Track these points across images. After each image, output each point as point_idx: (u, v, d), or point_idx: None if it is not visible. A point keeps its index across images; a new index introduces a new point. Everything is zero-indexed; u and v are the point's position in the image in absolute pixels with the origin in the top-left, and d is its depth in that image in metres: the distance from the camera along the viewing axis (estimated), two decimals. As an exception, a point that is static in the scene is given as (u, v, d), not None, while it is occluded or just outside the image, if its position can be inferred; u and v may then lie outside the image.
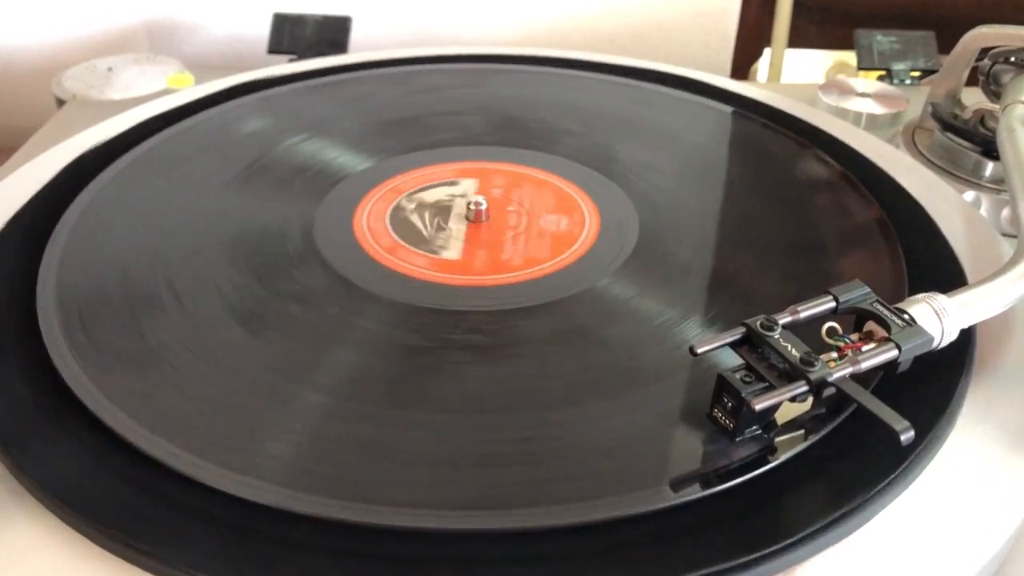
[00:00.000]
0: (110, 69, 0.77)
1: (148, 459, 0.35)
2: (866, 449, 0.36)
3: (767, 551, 0.32)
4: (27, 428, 0.37)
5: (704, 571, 0.31)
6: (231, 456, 0.35)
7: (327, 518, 0.33)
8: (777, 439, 0.36)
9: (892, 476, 0.35)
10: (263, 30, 0.83)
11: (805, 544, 0.32)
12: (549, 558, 0.32)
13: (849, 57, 0.98)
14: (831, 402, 0.37)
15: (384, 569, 0.32)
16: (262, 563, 0.32)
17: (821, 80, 0.96)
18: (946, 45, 0.78)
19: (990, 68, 0.63)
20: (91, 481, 0.35)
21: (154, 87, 0.75)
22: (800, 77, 1.01)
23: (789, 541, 0.32)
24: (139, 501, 0.34)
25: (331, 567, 0.32)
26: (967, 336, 0.41)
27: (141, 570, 0.32)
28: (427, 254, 0.50)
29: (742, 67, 1.02)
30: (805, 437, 0.36)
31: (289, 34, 0.81)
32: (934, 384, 0.39)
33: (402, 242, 0.51)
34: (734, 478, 0.34)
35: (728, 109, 0.67)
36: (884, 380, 0.38)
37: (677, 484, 0.35)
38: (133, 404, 0.38)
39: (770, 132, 0.63)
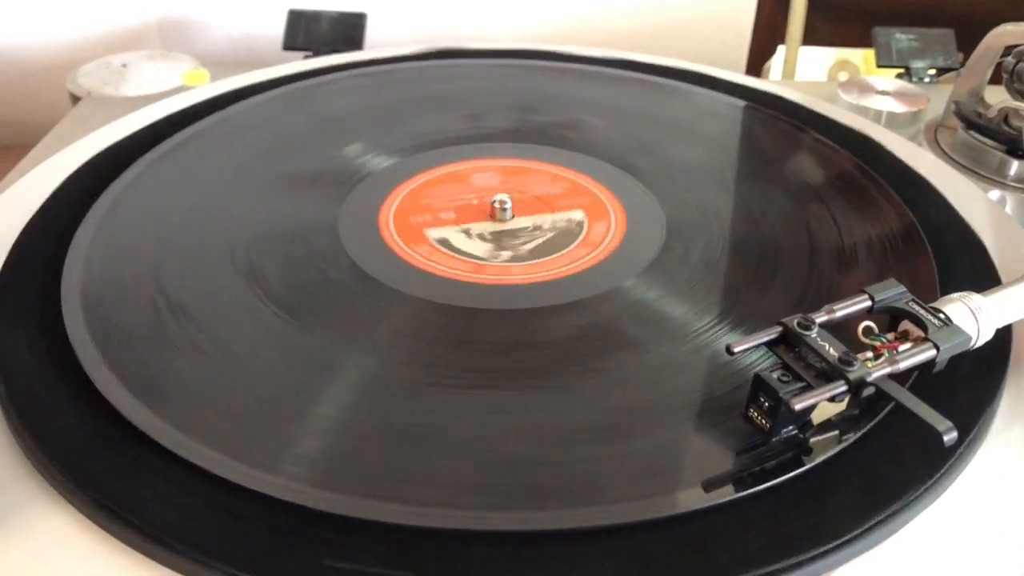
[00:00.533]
0: (124, 66, 0.77)
1: (173, 456, 0.35)
2: (902, 452, 0.36)
3: (803, 556, 0.32)
4: (54, 427, 0.36)
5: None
6: (258, 454, 0.35)
7: (353, 517, 0.33)
8: (813, 439, 0.36)
9: (931, 479, 0.34)
10: (276, 27, 0.82)
11: (842, 549, 0.32)
12: (579, 561, 0.32)
13: (853, 55, 0.97)
14: (864, 404, 0.36)
15: (408, 569, 0.32)
16: (291, 562, 0.32)
17: (824, 78, 0.95)
18: (962, 42, 0.78)
19: (1014, 66, 0.63)
20: (118, 478, 0.34)
21: (169, 84, 0.75)
22: (810, 75, 1.00)
23: (825, 546, 0.32)
24: (166, 498, 0.34)
25: (356, 566, 0.32)
26: (1003, 336, 0.41)
27: (165, 567, 0.32)
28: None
29: (756, 64, 1.02)
30: (841, 439, 0.36)
31: (304, 31, 0.80)
32: (970, 386, 0.39)
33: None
34: (770, 480, 0.34)
35: (751, 107, 0.66)
36: (917, 382, 0.37)
37: (710, 486, 0.34)
38: (157, 401, 0.37)
39: (794, 130, 0.63)
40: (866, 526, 0.33)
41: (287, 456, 0.35)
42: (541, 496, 0.34)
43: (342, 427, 0.37)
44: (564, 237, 0.51)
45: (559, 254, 0.50)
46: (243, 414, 0.38)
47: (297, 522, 0.33)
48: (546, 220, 0.53)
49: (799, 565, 0.31)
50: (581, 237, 0.51)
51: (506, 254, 0.50)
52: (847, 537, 0.32)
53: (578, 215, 0.53)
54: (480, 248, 0.50)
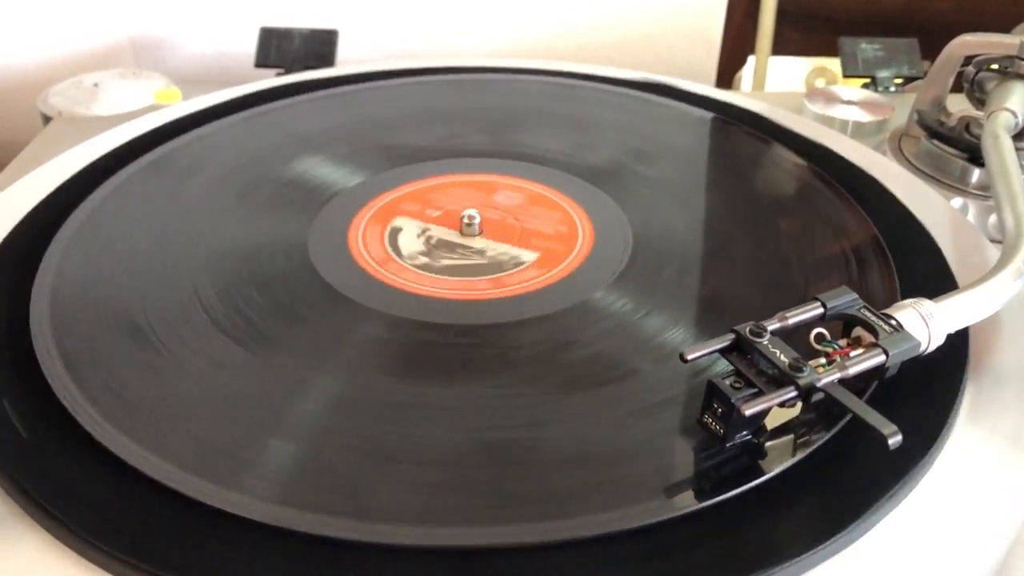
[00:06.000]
0: (96, 85, 0.77)
1: (145, 478, 0.35)
2: (863, 458, 0.36)
3: (764, 566, 0.32)
4: (23, 448, 0.37)
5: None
6: (229, 474, 0.35)
7: (324, 536, 0.33)
8: (767, 444, 0.36)
9: (892, 487, 0.35)
10: (249, 45, 0.82)
11: (801, 558, 0.32)
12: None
13: (830, 62, 0.98)
14: (824, 411, 0.37)
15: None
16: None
17: (802, 86, 0.96)
18: (927, 52, 0.79)
19: (975, 75, 0.63)
20: (90, 500, 0.34)
21: (141, 103, 0.75)
22: (780, 84, 1.01)
23: (785, 555, 0.32)
24: (136, 519, 0.34)
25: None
26: (961, 342, 0.42)
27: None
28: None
29: (727, 75, 1.03)
30: (797, 448, 0.36)
31: (276, 48, 0.81)
32: (931, 391, 0.40)
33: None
34: (728, 490, 0.34)
35: (718, 119, 0.67)
36: (880, 387, 0.38)
37: (669, 498, 0.35)
38: (129, 423, 0.38)
39: (759, 141, 0.63)
40: (827, 534, 0.33)
41: (257, 476, 0.36)
42: (496, 512, 0.35)
43: (316, 447, 0.38)
44: (531, 251, 0.51)
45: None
46: (214, 434, 0.38)
47: (271, 542, 0.33)
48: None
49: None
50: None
51: (423, 260, 0.50)
52: (808, 545, 0.33)
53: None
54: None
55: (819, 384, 0.34)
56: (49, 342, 0.42)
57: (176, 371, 0.41)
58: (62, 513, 0.33)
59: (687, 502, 0.34)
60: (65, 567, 0.33)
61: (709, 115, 0.67)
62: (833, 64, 0.97)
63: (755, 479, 0.35)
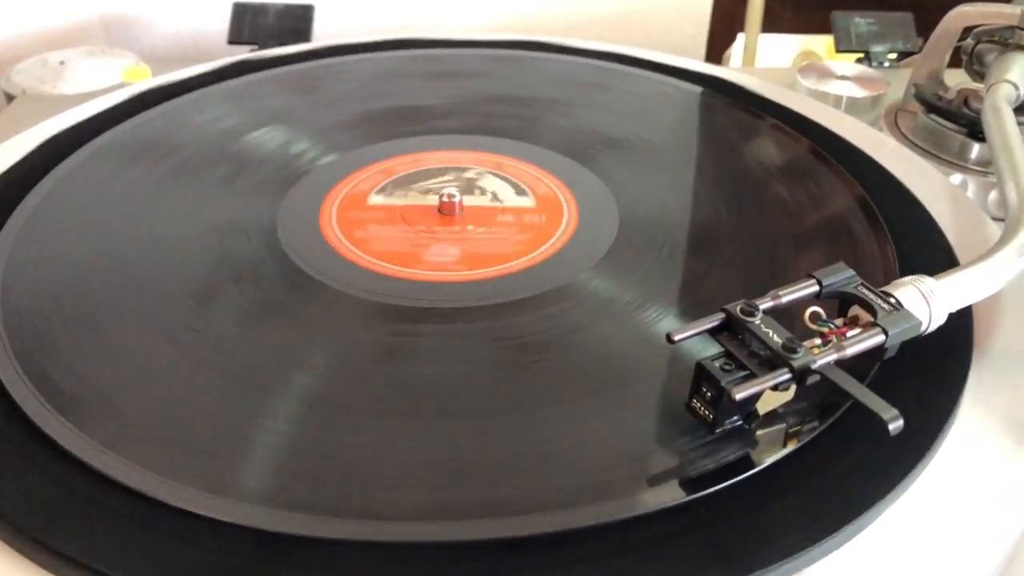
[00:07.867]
0: (62, 63, 0.75)
1: (104, 477, 0.33)
2: (862, 446, 0.34)
3: (754, 564, 0.30)
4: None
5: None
6: (195, 473, 0.33)
7: (302, 535, 0.31)
8: (759, 431, 0.34)
9: (893, 478, 0.33)
10: (223, 21, 0.80)
11: (795, 555, 0.30)
12: (517, 571, 0.30)
13: (817, 44, 0.96)
14: (820, 394, 0.35)
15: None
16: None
17: (792, 65, 0.94)
18: (922, 27, 0.77)
19: (973, 47, 0.62)
20: (41, 500, 0.33)
21: (109, 81, 0.73)
22: (771, 62, 0.99)
23: (778, 552, 0.30)
24: (95, 520, 0.32)
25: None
26: (964, 321, 0.40)
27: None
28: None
29: (717, 51, 1.01)
30: (792, 435, 0.34)
31: (250, 24, 0.79)
32: (933, 373, 0.38)
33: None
34: (717, 483, 0.32)
35: (709, 95, 0.65)
36: (878, 369, 0.36)
37: (655, 490, 0.33)
38: (89, 419, 0.36)
39: (752, 117, 0.61)
40: (825, 528, 0.31)
41: (229, 474, 0.34)
42: (477, 505, 0.33)
43: (292, 441, 0.36)
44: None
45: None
46: (182, 429, 0.36)
47: (243, 543, 0.31)
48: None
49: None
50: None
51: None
52: (805, 541, 0.31)
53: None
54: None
55: (814, 366, 0.32)
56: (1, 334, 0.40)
57: (139, 362, 0.39)
58: (15, 514, 0.32)
59: (673, 495, 0.32)
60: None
61: (699, 91, 0.65)
62: (820, 47, 0.96)
63: (746, 471, 0.33)
